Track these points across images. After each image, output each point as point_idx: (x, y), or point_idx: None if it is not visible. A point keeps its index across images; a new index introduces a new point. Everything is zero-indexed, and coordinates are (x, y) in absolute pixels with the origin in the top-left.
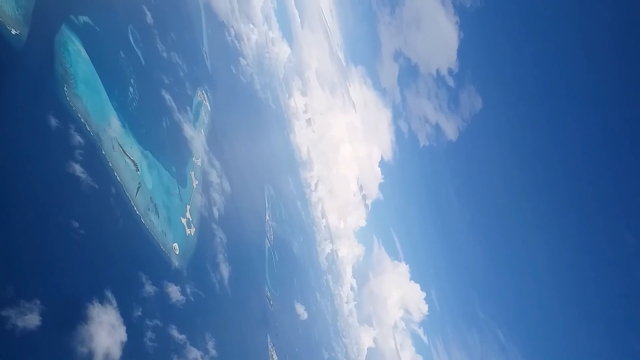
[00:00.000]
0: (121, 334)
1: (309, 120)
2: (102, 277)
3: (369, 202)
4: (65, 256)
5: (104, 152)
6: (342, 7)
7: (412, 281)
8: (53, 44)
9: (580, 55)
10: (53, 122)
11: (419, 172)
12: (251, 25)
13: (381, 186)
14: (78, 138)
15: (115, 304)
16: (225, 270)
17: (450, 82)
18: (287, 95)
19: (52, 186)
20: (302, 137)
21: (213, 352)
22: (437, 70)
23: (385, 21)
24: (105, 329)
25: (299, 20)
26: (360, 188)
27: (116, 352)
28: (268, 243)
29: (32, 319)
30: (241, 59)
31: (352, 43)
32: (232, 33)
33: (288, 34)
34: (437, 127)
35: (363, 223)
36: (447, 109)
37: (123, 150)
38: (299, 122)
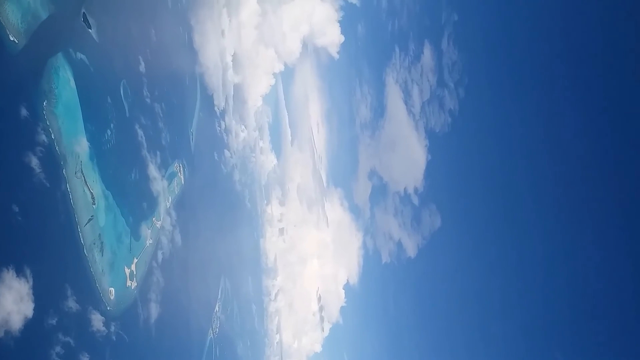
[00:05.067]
0: (28, 309)
1: (281, 230)
2: (27, 261)
3: (327, 325)
4: None
5: (64, 173)
6: (331, 129)
7: None
8: (45, 64)
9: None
10: (24, 112)
11: (379, 290)
12: (242, 126)
13: (342, 310)
14: (43, 137)
15: (31, 283)
16: (154, 310)
17: (415, 200)
18: (265, 201)
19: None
20: (272, 244)
21: None
22: (405, 189)
23: (365, 143)
24: (14, 295)
25: (290, 138)
26: (321, 309)
27: (17, 321)
28: (212, 333)
29: None
30: (226, 151)
31: (335, 163)
32: (223, 126)
33: (277, 147)
34: (399, 244)
35: (318, 349)
36: (409, 226)
37: (85, 180)
38: (271, 229)
